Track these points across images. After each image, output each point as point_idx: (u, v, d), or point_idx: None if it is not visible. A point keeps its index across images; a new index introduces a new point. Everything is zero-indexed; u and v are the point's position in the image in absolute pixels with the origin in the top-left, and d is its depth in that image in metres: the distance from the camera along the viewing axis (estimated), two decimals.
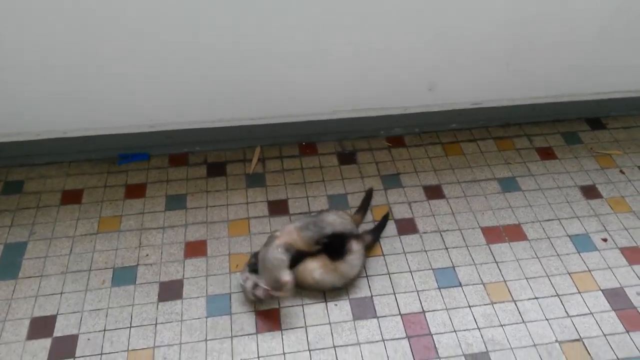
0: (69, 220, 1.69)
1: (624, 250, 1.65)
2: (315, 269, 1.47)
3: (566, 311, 1.50)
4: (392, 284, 1.55)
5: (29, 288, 1.51)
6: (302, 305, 1.50)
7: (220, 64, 1.67)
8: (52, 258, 1.58)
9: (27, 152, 1.83)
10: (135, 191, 1.78)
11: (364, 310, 1.49)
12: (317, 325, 1.45)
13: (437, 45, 1.73)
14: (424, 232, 1.69)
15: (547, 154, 1.96)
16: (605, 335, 1.45)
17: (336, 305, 1.50)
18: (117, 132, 1.84)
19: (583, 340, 1.44)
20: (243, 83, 1.73)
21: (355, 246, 1.52)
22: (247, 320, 1.45)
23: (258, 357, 1.38)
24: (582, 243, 1.67)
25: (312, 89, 1.81)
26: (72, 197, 1.76)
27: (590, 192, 1.82)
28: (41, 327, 1.43)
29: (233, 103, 1.81)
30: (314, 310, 1.49)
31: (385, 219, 1.71)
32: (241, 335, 1.42)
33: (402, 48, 1.71)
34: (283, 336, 1.43)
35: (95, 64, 1.61)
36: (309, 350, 1.40)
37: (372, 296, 1.52)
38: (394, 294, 1.53)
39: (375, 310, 1.49)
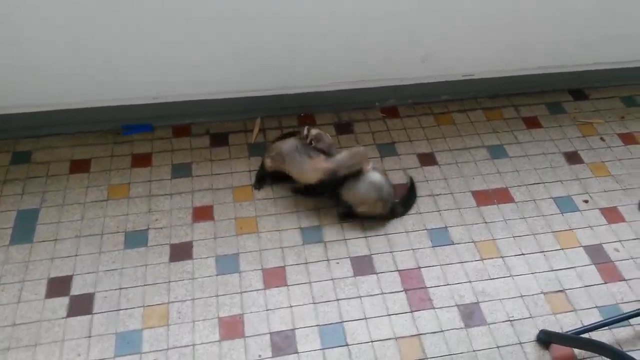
0: (79, 188, 1.75)
1: (604, 211, 1.77)
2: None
3: (550, 266, 1.62)
4: (389, 243, 1.65)
5: (44, 251, 1.58)
6: (306, 263, 1.59)
7: (221, 38, 1.73)
8: (65, 223, 1.65)
9: (33, 123, 1.88)
10: (142, 160, 1.85)
11: (364, 267, 1.59)
12: (320, 281, 1.55)
13: (431, 17, 1.80)
14: (419, 196, 1.79)
15: (532, 123, 2.06)
16: (585, 286, 1.57)
17: (338, 263, 1.60)
18: (121, 104, 1.89)
19: (565, 291, 1.56)
20: (243, 56, 1.80)
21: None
22: (255, 278, 1.55)
23: (267, 310, 1.48)
24: (565, 204, 1.78)
25: (311, 61, 1.88)
26: (80, 167, 1.82)
27: (572, 158, 1.94)
28: (59, 286, 1.51)
29: (234, 75, 1.87)
30: (317, 268, 1.58)
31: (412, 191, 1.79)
32: (250, 291, 1.52)
33: (398, 19, 1.79)
34: (289, 291, 1.52)
35: (99, 37, 1.66)
36: (314, 303, 1.50)
37: (371, 254, 1.62)
38: (391, 252, 1.63)
39: (374, 267, 1.59)
